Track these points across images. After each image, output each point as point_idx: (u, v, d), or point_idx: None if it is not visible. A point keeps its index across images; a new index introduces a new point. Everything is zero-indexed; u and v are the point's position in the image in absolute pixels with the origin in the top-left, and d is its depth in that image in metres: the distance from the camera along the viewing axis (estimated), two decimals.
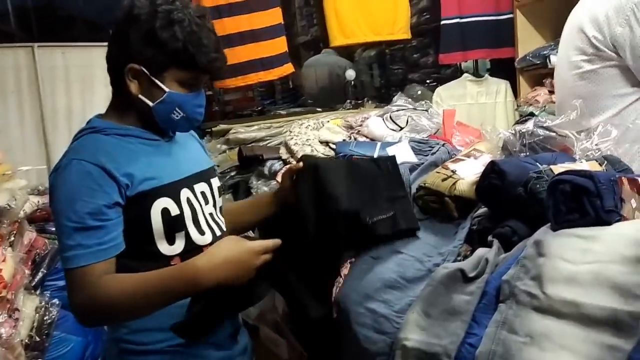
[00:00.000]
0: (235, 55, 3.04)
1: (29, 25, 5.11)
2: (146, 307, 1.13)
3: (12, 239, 1.83)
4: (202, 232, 1.27)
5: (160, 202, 1.20)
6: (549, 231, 1.09)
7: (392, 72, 4.68)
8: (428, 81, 4.12)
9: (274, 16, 3.15)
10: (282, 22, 3.22)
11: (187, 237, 1.24)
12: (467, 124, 2.13)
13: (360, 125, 2.28)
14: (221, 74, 1.25)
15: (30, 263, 2.05)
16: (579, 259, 0.99)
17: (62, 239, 1.12)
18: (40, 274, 2.13)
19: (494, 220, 1.31)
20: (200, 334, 1.20)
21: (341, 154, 1.88)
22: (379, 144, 1.90)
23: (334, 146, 2.04)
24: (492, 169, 1.31)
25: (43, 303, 1.93)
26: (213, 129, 2.71)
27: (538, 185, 1.20)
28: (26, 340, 1.76)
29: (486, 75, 3.43)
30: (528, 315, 0.99)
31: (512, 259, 1.13)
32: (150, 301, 1.12)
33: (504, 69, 3.58)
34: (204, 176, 1.33)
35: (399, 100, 2.42)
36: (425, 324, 1.15)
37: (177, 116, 1.22)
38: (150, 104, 1.20)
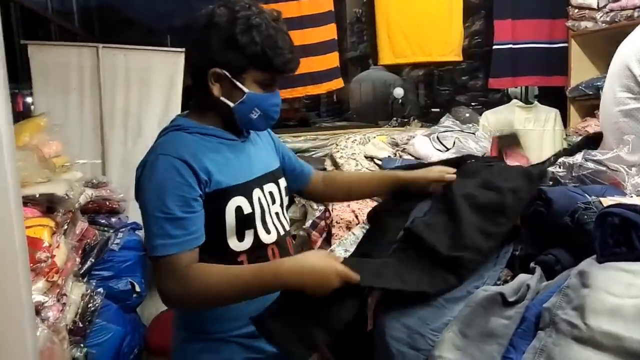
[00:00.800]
0: None
1: (92, 25, 5.34)
2: (231, 297, 1.20)
3: (66, 227, 1.92)
4: (268, 231, 1.34)
5: (235, 200, 1.27)
6: (595, 263, 1.08)
7: (438, 92, 4.68)
8: (474, 104, 4.11)
9: (327, 32, 3.20)
10: (336, 38, 3.27)
11: (255, 234, 1.31)
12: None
13: (406, 144, 2.30)
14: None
15: (80, 252, 2.14)
16: (624, 293, 0.99)
17: (151, 229, 1.19)
18: (88, 263, 2.22)
19: (538, 248, 1.31)
20: (275, 331, 1.21)
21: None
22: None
23: (379, 162, 2.07)
24: (539, 196, 1.31)
25: (89, 291, 2.01)
26: None
27: (586, 216, 1.19)
28: (70, 325, 1.83)
29: (535, 102, 3.39)
30: (568, 344, 0.99)
31: (555, 287, 1.13)
32: (236, 292, 1.19)
33: (553, 98, 3.55)
34: (274, 176, 1.40)
35: (446, 121, 2.43)
36: (461, 344, 1.15)
37: (255, 115, 1.28)
38: (231, 104, 1.27)
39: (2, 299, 0.96)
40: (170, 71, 2.97)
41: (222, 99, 1.27)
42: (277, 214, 1.38)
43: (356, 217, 1.82)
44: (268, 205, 1.35)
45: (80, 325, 1.92)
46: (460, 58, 3.46)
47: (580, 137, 2.96)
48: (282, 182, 1.43)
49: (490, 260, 1.36)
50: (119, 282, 2.41)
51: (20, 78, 3.45)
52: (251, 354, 1.34)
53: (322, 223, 1.82)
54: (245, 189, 1.30)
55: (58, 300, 1.71)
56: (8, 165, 0.95)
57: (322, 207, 1.85)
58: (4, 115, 0.95)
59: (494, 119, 3.24)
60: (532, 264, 1.26)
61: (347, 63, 5.71)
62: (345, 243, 1.73)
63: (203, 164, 1.24)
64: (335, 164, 2.08)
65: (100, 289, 2.12)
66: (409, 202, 1.61)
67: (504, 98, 3.93)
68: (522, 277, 1.22)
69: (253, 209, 1.30)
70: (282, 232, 1.38)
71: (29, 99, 3.30)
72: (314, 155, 2.49)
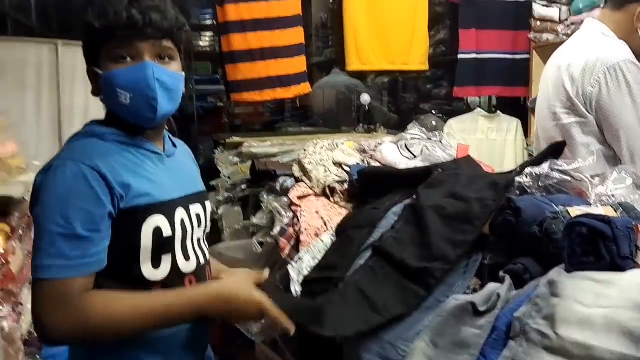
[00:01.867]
0: (255, 70, 3.08)
1: (50, 21, 5.16)
2: (138, 329, 1.06)
3: (22, 232, 1.84)
4: (187, 257, 1.18)
5: (153, 219, 1.10)
6: (563, 272, 1.10)
7: (403, 100, 4.73)
8: (435, 112, 4.17)
9: (295, 35, 3.20)
10: (303, 42, 3.27)
11: (174, 261, 1.15)
12: (479, 159, 2.15)
13: (374, 150, 2.30)
14: (145, 32, 1.08)
15: None
16: (593, 303, 1.00)
17: (42, 245, 1.01)
18: None
19: (506, 257, 1.32)
20: None
21: (355, 177, 1.90)
22: None
23: (347, 168, 2.06)
24: (508, 205, 1.32)
25: None
26: (227, 140, 2.73)
27: (554, 226, 1.21)
28: (26, 336, 1.75)
29: (498, 112, 3.47)
30: (538, 354, 0.99)
31: (525, 297, 1.14)
32: (145, 324, 1.06)
33: (512, 108, 3.64)
34: (201, 198, 1.26)
35: (413, 128, 2.44)
36: (432, 354, 1.15)
37: (126, 99, 1.09)
38: (100, 98, 1.14)
39: None
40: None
41: (99, 98, 1.13)
42: (198, 239, 1.23)
43: (325, 224, 1.80)
44: (192, 229, 1.19)
45: (36, 335, 1.83)
46: (425, 67, 3.51)
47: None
48: (208, 205, 1.29)
49: (459, 268, 1.37)
50: None
51: None
52: None
53: (291, 230, 1.79)
54: (166, 208, 1.13)
55: (13, 310, 1.63)
56: None
57: (290, 214, 1.83)
58: None
59: (458, 128, 3.30)
60: (501, 273, 1.27)
61: (312, 68, 5.70)
62: (314, 250, 1.71)
63: (119, 176, 1.07)
64: (304, 170, 2.06)
65: None
66: (376, 212, 1.62)
67: (467, 107, 4.01)
68: (492, 286, 1.23)
69: (174, 231, 1.13)
70: (202, 261, 1.23)
71: None
72: (280, 161, 2.46)
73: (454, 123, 3.35)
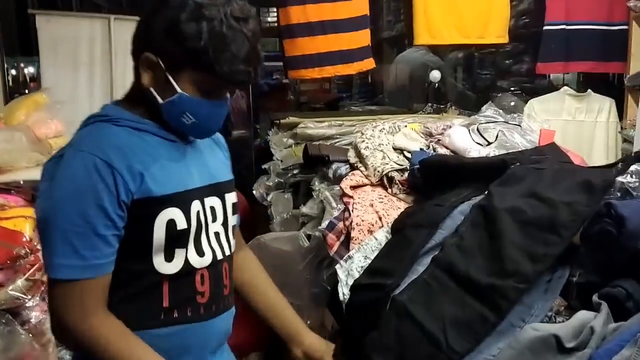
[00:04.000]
0: (315, 45, 2.85)
1: None
2: None
3: None
4: (201, 253, 1.11)
5: (168, 212, 1.05)
6: None
7: (479, 77, 4.35)
8: (517, 90, 3.78)
9: (360, 7, 2.93)
10: (368, 14, 3.00)
11: (187, 256, 1.08)
12: (565, 146, 1.83)
13: (441, 134, 2.04)
14: (249, 85, 1.06)
15: None
16: None
17: (54, 242, 0.98)
18: None
19: (602, 275, 1.06)
20: None
21: (416, 166, 1.66)
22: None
23: (409, 155, 1.82)
24: (607, 211, 1.05)
25: None
26: (281, 120, 2.55)
27: None
28: None
29: (589, 90, 3.05)
30: None
31: (628, 334, 0.88)
32: None
33: (606, 85, 3.20)
34: (219, 189, 1.17)
35: (488, 110, 2.15)
36: None
37: (187, 121, 1.07)
38: (160, 100, 1.05)
39: None
40: None
41: (152, 90, 1.05)
42: (216, 234, 1.14)
43: (380, 219, 1.59)
44: (207, 223, 1.11)
45: None
46: (505, 40, 3.14)
47: (634, 131, 2.64)
48: (230, 197, 1.20)
49: (539, 285, 1.12)
50: None
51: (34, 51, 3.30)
52: None
53: (341, 225, 1.59)
54: (182, 200, 1.07)
55: (42, 299, 1.55)
56: None
57: (341, 206, 1.62)
58: None
59: (540, 108, 2.92)
60: (595, 298, 1.01)
61: (382, 43, 5.42)
62: (366, 249, 1.51)
63: (132, 164, 1.02)
64: (360, 156, 1.85)
65: None
66: (439, 210, 1.39)
67: (551, 85, 3.59)
68: (582, 316, 0.98)
69: (189, 224, 1.07)
70: (219, 256, 1.14)
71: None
72: (337, 143, 2.24)
73: (536, 103, 2.97)
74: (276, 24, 5.69)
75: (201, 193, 1.11)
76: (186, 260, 1.08)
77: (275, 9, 5.80)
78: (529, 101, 2.97)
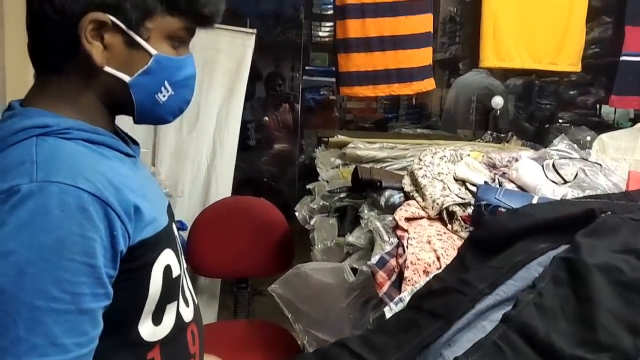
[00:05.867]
0: (372, 61, 2.69)
1: None
2: None
3: None
4: (187, 302, 0.88)
5: (163, 255, 0.79)
6: None
7: (538, 106, 4.12)
8: (575, 125, 3.53)
9: (424, 23, 2.75)
10: (432, 31, 2.83)
11: (177, 310, 0.84)
12: None
13: (507, 166, 1.84)
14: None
15: None
16: None
17: (15, 330, 0.63)
18: None
19: None
20: None
21: (484, 202, 1.47)
22: (536, 197, 1.46)
23: (473, 188, 1.63)
24: None
25: None
26: (330, 139, 2.40)
27: None
28: None
29: None
30: None
31: None
32: None
33: None
34: (171, 213, 0.92)
35: (561, 143, 1.94)
36: None
37: (163, 97, 0.81)
38: (127, 78, 0.77)
39: None
40: (237, 55, 2.63)
41: (109, 70, 0.77)
42: (185, 272, 0.88)
43: (437, 259, 1.40)
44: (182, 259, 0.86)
45: None
46: (577, 69, 2.92)
47: None
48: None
49: None
50: None
51: None
52: None
53: (393, 262, 1.41)
54: (168, 235, 0.83)
55: None
56: None
57: (394, 240, 1.45)
58: None
59: (612, 145, 2.68)
60: None
61: (434, 65, 5.27)
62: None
63: (124, 195, 0.72)
64: (416, 184, 1.67)
65: None
66: (510, 252, 1.18)
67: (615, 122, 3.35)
68: None
69: (181, 266, 0.83)
70: (195, 300, 0.91)
71: None
72: (388, 167, 2.08)
73: (606, 139, 2.73)
74: (327, 39, 5.67)
75: (172, 221, 0.89)
76: (178, 314, 0.84)
77: (327, 24, 5.77)
78: (599, 136, 2.73)
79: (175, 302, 0.84)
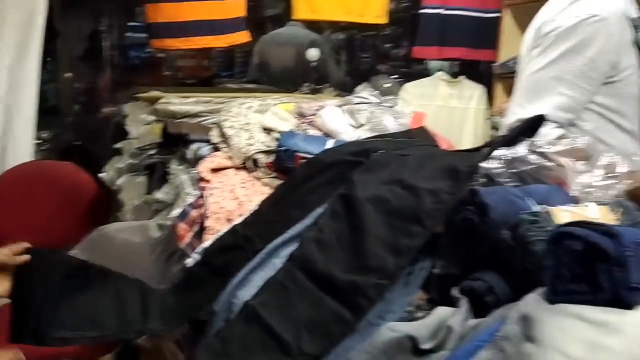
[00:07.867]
0: (180, 11, 2.58)
1: None
2: None
3: None
4: None
5: None
6: (543, 303, 0.77)
7: (360, 60, 4.33)
8: (395, 75, 3.79)
9: None
10: None
11: None
12: (434, 130, 1.79)
13: (314, 115, 1.92)
14: None
15: None
16: (586, 356, 0.68)
17: None
18: None
19: (464, 267, 0.99)
20: None
21: (283, 148, 1.52)
22: (331, 141, 1.55)
23: (278, 135, 1.67)
24: (471, 199, 0.98)
25: None
26: (142, 95, 2.28)
27: (531, 232, 0.88)
28: None
29: (462, 77, 3.12)
30: None
31: (486, 334, 0.81)
32: None
33: (478, 73, 3.29)
34: None
35: (363, 91, 2.07)
36: None
37: None
38: None
39: None
40: (28, 5, 2.34)
41: None
42: None
43: (240, 205, 1.42)
44: None
45: None
46: (383, 20, 3.11)
47: (502, 118, 2.73)
48: None
49: (399, 278, 1.03)
50: None
51: None
52: None
53: (194, 213, 1.41)
54: None
55: None
56: None
57: (197, 191, 1.44)
58: None
59: (415, 93, 2.94)
60: (454, 292, 0.94)
61: (265, 21, 5.23)
62: None
63: None
64: (223, 136, 1.67)
65: None
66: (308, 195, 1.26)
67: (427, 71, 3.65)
68: (441, 313, 0.90)
69: None
70: None
71: None
72: (203, 122, 2.04)
73: (410, 87, 2.99)
74: None
75: None
76: None
77: None
78: (404, 85, 2.98)
79: None
